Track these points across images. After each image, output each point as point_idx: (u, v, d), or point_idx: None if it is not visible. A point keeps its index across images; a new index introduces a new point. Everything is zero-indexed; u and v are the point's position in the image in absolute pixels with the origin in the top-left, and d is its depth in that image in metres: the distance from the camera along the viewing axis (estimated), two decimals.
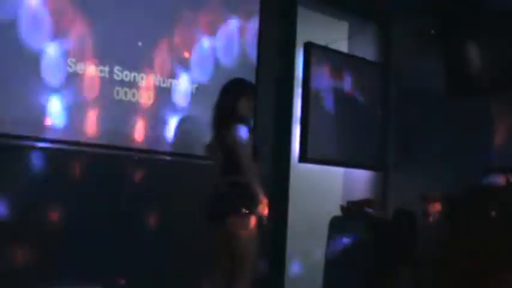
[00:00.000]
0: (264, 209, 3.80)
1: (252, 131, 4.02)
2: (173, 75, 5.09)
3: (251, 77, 5.49)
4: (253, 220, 3.79)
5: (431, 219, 5.31)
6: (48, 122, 4.44)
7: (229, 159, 3.81)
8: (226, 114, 3.95)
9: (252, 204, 3.76)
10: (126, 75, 4.83)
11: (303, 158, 6.01)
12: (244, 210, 3.76)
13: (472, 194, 4.90)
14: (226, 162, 3.84)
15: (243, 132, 3.82)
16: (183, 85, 5.14)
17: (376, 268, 5.33)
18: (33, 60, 4.38)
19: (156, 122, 4.99)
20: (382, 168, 6.76)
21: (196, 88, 5.22)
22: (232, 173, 3.80)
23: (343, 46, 6.52)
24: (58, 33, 4.50)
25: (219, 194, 3.89)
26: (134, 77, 4.87)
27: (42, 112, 4.42)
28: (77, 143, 4.58)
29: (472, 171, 5.26)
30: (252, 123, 4.23)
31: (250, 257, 3.81)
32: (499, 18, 5.40)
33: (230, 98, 4.00)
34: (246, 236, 3.78)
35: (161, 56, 5.02)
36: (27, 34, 4.35)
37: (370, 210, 5.74)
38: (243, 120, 3.94)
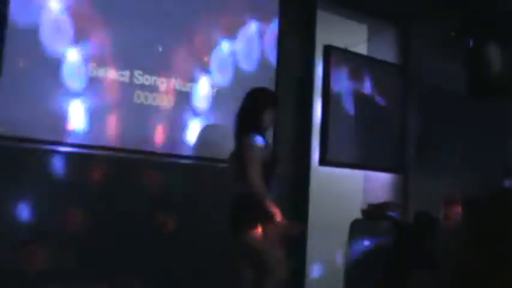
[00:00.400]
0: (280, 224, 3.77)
1: (270, 141, 4.00)
2: (193, 79, 5.12)
3: (271, 80, 5.51)
4: (270, 229, 3.77)
5: (452, 221, 5.27)
6: (70, 126, 4.49)
7: (244, 169, 3.79)
8: (249, 123, 3.91)
9: (266, 216, 3.72)
10: (146, 79, 4.87)
11: (323, 161, 6.00)
12: (258, 222, 3.75)
13: (494, 196, 4.85)
14: (242, 172, 3.84)
15: (257, 144, 3.81)
16: (203, 89, 5.17)
17: (396, 271, 5.30)
18: (55, 65, 4.44)
19: (177, 126, 5.02)
20: (402, 171, 6.73)
21: (217, 92, 5.24)
22: (247, 184, 3.79)
23: (362, 48, 6.51)
24: (79, 39, 4.55)
25: (236, 205, 3.88)
26: (154, 81, 4.91)
27: (63, 117, 4.48)
28: (98, 147, 4.63)
29: (493, 173, 5.22)
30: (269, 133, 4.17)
31: (273, 265, 3.79)
32: None
33: (256, 108, 3.95)
34: (265, 246, 3.77)
35: (181, 60, 5.05)
36: (48, 39, 4.42)
37: (390, 213, 5.71)
38: (263, 131, 3.95)
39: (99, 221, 4.50)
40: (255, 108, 3.95)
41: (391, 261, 5.29)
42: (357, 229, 5.56)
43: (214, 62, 5.24)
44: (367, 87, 6.42)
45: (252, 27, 5.54)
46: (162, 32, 4.95)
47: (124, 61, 4.76)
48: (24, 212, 4.24)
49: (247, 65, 5.46)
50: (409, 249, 5.34)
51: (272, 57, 5.65)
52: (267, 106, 3.97)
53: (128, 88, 4.78)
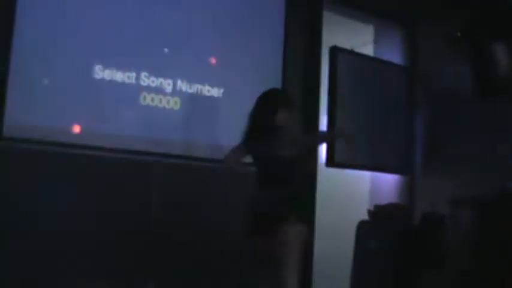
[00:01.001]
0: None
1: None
2: (200, 81, 5.12)
3: (277, 82, 5.51)
4: (301, 227, 3.82)
5: (460, 223, 5.25)
6: (75, 127, 4.50)
7: (272, 169, 3.81)
8: (263, 125, 3.90)
9: (299, 213, 3.79)
10: (152, 81, 4.88)
11: (330, 162, 5.99)
12: (293, 218, 3.77)
13: (502, 198, 4.84)
14: (269, 172, 3.84)
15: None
16: (209, 90, 5.17)
17: (403, 273, 5.29)
18: (61, 66, 4.45)
19: (183, 127, 5.02)
20: (409, 172, 6.71)
21: (223, 93, 5.24)
22: (276, 183, 3.80)
23: (368, 50, 6.50)
24: (85, 40, 4.56)
25: (265, 204, 3.82)
26: (161, 82, 4.92)
27: (69, 118, 4.49)
28: (104, 149, 4.64)
29: (502, 174, 5.20)
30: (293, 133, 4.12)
31: (298, 260, 3.81)
32: None
33: (267, 109, 3.93)
34: (297, 243, 3.79)
35: (187, 62, 5.06)
36: (55, 41, 4.44)
37: (397, 214, 5.70)
38: (281, 131, 3.90)
39: (104, 222, 4.50)
40: (268, 109, 3.93)
41: (398, 262, 5.28)
42: (363, 230, 5.56)
43: (220, 63, 5.24)
44: (373, 88, 6.40)
45: (259, 27, 5.54)
46: (168, 33, 4.96)
47: (130, 62, 4.78)
48: (30, 212, 4.24)
49: (254, 67, 5.46)
50: (416, 250, 5.33)
51: (278, 58, 5.65)
52: (279, 106, 3.93)
53: (134, 89, 4.79)
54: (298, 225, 3.80)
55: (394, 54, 6.78)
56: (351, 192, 6.23)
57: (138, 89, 4.81)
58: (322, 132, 5.17)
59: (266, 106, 3.95)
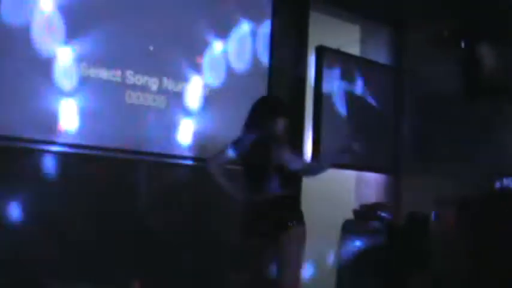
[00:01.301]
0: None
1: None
2: (185, 79, 5.11)
3: (263, 81, 5.51)
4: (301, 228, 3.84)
5: (444, 222, 5.28)
6: (61, 126, 4.48)
7: (263, 174, 3.75)
8: (258, 132, 3.79)
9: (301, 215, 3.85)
10: (138, 80, 4.86)
11: (315, 161, 5.98)
12: (295, 221, 3.80)
13: (488, 198, 4.86)
14: (262, 177, 3.76)
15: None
16: (195, 89, 5.16)
17: (388, 272, 5.31)
18: (46, 64, 4.43)
19: (168, 126, 5.01)
20: (395, 171, 6.73)
21: (209, 92, 5.23)
22: (275, 188, 3.76)
23: (355, 49, 6.51)
24: (70, 38, 4.54)
25: (263, 206, 3.77)
26: (146, 81, 4.90)
27: (54, 116, 4.46)
28: (89, 147, 4.62)
29: (488, 174, 5.22)
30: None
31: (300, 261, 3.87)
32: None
33: (264, 120, 3.82)
34: (298, 244, 3.86)
35: (173, 60, 5.04)
36: (39, 39, 4.41)
37: (382, 213, 5.72)
38: (276, 140, 3.81)
39: (89, 221, 4.48)
40: (265, 120, 3.82)
41: (383, 261, 5.30)
42: (348, 229, 5.57)
43: (206, 62, 5.24)
44: (359, 87, 6.41)
45: (245, 27, 5.54)
46: (153, 31, 4.94)
47: (115, 61, 4.75)
48: (13, 211, 4.22)
49: (240, 66, 5.46)
50: (401, 249, 5.36)
51: (265, 57, 5.66)
52: (276, 117, 3.83)
53: (119, 88, 4.78)
54: (299, 226, 3.82)
55: (380, 54, 6.79)
56: (336, 191, 6.23)
57: (123, 87, 4.79)
58: (313, 164, 5.03)
59: (264, 114, 3.85)
